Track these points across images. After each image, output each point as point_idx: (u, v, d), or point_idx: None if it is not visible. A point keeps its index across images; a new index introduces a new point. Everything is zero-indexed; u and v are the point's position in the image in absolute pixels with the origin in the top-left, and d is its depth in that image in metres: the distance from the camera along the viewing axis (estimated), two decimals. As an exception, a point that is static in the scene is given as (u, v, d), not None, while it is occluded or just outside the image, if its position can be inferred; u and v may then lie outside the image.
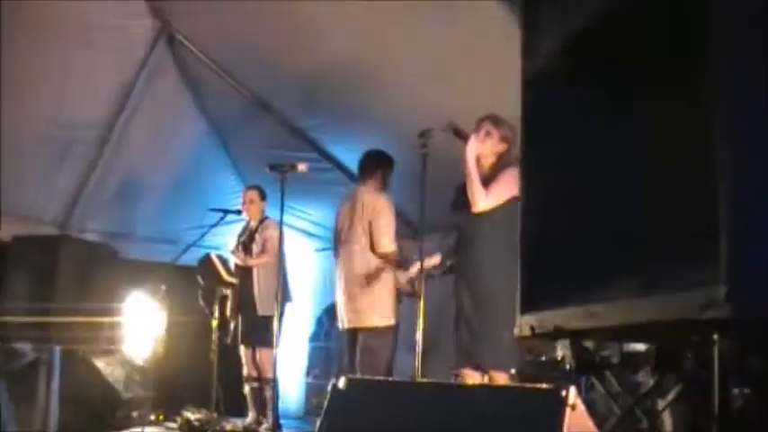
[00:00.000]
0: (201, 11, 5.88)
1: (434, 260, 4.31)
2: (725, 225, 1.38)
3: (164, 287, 5.99)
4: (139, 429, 5.72)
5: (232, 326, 6.09)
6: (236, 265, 6.07)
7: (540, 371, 4.22)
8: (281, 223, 5.05)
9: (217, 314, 5.94)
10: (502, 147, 3.92)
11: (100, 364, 5.94)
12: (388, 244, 4.67)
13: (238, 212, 6.21)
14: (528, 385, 2.35)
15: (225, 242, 6.78)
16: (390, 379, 4.07)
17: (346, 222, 4.87)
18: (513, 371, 3.77)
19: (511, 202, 3.68)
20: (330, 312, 6.14)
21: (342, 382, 2.58)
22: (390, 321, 4.69)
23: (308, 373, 7.97)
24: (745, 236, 1.38)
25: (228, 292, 6.07)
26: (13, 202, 6.31)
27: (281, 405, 6.04)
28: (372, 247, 4.70)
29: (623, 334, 2.12)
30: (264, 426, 5.84)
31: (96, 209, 7.15)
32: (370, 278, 4.69)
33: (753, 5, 1.46)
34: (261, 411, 5.97)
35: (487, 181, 3.82)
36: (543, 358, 4.35)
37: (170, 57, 6.59)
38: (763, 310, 1.38)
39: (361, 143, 5.24)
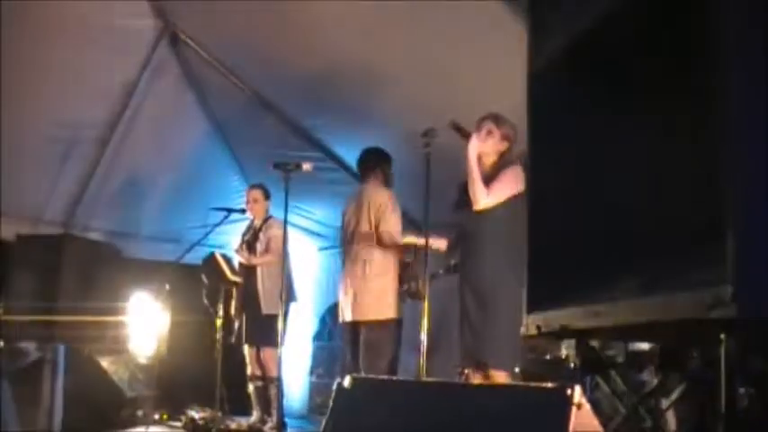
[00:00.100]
0: (204, 10, 5.87)
1: (441, 243, 4.16)
2: (730, 225, 1.38)
3: (167, 286, 5.96)
4: (144, 428, 5.73)
5: (236, 325, 6.07)
6: (241, 264, 6.07)
7: (545, 370, 4.21)
8: (285, 222, 5.06)
9: (221, 313, 5.94)
10: (503, 145, 3.94)
11: (104, 363, 5.96)
12: (397, 236, 4.67)
13: (242, 211, 6.20)
14: (533, 384, 2.35)
15: (229, 241, 6.80)
16: (395, 378, 4.07)
17: (353, 221, 4.88)
18: (516, 369, 3.76)
19: (512, 201, 3.71)
20: (333, 311, 6.13)
21: (347, 382, 2.59)
22: (392, 314, 4.69)
23: (311, 372, 7.97)
24: (750, 236, 1.39)
25: (233, 290, 6.07)
26: (16, 201, 6.33)
27: (284, 404, 6.04)
28: (379, 243, 4.71)
29: (628, 333, 2.13)
30: (269, 425, 5.84)
31: (100, 208, 7.15)
32: (376, 276, 4.70)
33: (753, 5, 1.47)
34: (265, 410, 5.96)
35: (489, 179, 3.84)
36: (547, 357, 4.36)
37: (173, 56, 6.58)
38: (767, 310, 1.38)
39: (364, 142, 5.23)
